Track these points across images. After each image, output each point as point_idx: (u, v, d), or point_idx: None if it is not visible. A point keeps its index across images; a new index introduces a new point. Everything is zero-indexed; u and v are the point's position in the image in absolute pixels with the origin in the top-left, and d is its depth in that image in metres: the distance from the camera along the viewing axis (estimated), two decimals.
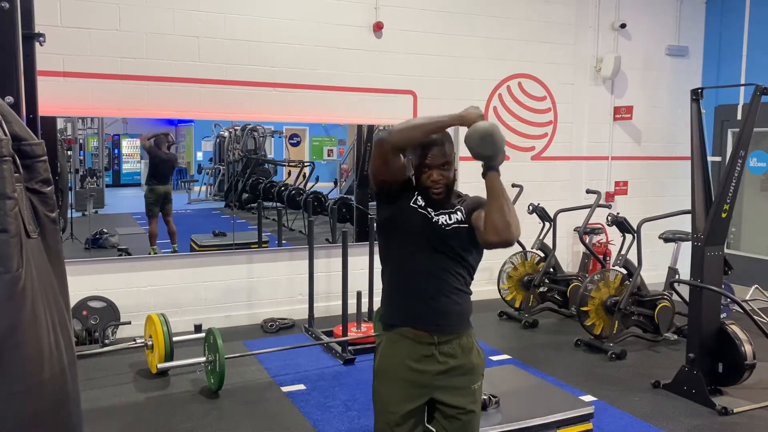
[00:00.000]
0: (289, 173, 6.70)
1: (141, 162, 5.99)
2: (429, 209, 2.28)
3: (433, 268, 2.26)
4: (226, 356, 4.22)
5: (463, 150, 2.41)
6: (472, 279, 2.36)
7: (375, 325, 5.08)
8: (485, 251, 2.39)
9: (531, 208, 6.41)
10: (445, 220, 2.26)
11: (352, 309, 5.13)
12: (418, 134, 2.21)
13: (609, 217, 5.63)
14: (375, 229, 2.53)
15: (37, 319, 1.39)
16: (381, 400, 2.34)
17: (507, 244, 2.16)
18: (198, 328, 4.91)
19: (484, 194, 2.23)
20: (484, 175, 2.19)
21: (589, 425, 3.51)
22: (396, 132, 2.20)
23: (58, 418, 1.47)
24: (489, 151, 2.16)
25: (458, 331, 2.30)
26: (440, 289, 2.26)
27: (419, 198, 2.30)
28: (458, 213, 2.29)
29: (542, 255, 6.28)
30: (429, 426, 2.38)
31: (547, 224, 6.39)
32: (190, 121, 5.95)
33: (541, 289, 6.23)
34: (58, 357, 1.45)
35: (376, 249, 3.09)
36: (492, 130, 2.14)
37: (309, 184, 6.61)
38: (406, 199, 2.30)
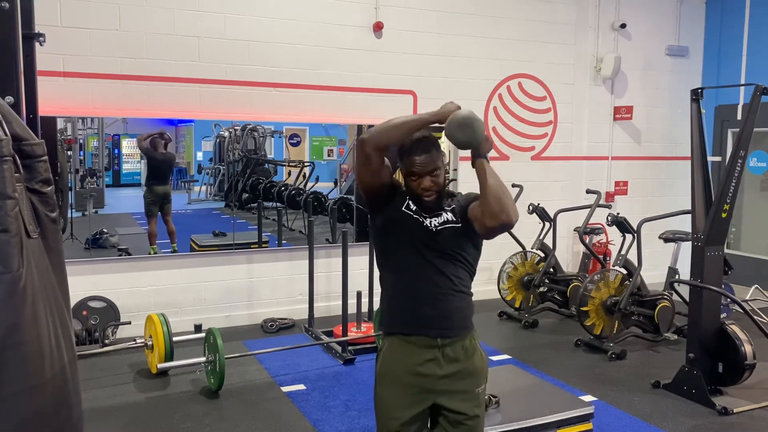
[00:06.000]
0: (289, 173, 6.69)
1: (141, 162, 5.98)
2: (421, 213, 2.27)
3: (430, 272, 2.25)
4: (226, 356, 4.23)
5: (461, 152, 2.41)
6: (472, 279, 2.35)
7: (375, 324, 5.08)
8: (484, 251, 2.38)
9: (531, 208, 6.41)
10: (437, 223, 2.26)
11: (352, 309, 5.13)
12: (400, 133, 2.19)
13: (609, 217, 5.62)
14: (370, 236, 2.53)
15: (38, 319, 1.39)
16: (383, 406, 2.32)
17: (506, 226, 2.15)
18: (198, 328, 4.91)
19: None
20: (473, 164, 2.21)
21: (589, 425, 3.51)
22: (376, 132, 2.18)
23: (58, 417, 1.47)
24: (468, 136, 2.17)
25: (461, 333, 2.29)
26: (440, 292, 2.25)
27: (411, 203, 2.29)
28: (449, 213, 2.28)
29: (542, 255, 6.28)
30: None
31: (547, 224, 6.38)
32: (190, 121, 5.95)
33: (541, 289, 6.22)
34: (59, 356, 1.45)
35: None
36: (469, 116, 2.17)
37: (309, 184, 6.60)
38: (397, 204, 2.29)
